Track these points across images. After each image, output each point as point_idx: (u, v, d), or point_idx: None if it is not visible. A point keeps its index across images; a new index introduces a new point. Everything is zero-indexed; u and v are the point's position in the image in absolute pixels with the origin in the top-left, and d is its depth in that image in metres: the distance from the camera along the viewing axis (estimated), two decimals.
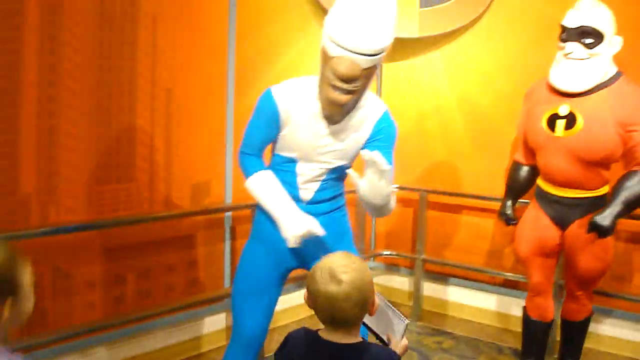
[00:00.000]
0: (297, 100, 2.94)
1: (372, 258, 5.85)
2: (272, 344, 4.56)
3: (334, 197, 3.14)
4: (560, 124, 3.68)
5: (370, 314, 2.19)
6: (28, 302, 1.76)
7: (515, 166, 4.19)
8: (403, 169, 5.67)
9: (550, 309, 4.11)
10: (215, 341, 4.52)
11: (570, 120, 3.65)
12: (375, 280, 5.81)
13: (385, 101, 5.63)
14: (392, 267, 5.90)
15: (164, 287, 4.25)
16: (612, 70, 3.68)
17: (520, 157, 4.15)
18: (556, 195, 3.84)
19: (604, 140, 3.59)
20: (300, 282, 4.83)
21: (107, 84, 3.82)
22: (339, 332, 2.12)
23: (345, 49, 2.68)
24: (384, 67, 5.73)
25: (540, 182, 3.99)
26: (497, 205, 4.37)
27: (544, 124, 3.76)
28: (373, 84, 5.68)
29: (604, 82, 3.65)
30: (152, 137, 4.10)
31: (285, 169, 3.06)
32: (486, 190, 5.08)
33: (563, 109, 3.69)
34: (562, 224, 3.87)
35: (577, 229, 3.77)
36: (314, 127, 2.94)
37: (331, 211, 3.15)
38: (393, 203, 3.00)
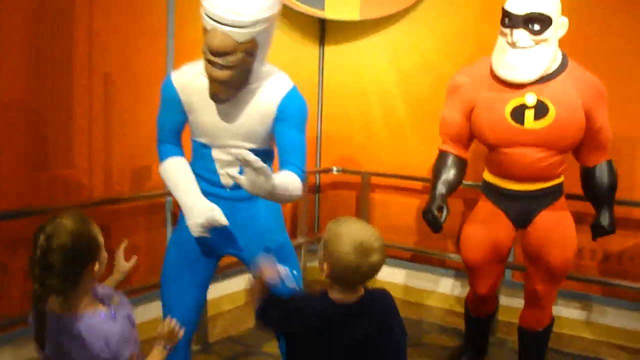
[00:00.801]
0: (193, 83, 2.90)
1: (316, 242, 5.85)
2: (216, 330, 4.56)
3: None
4: (529, 114, 3.43)
5: None
6: (105, 258, 2.23)
7: (443, 156, 3.79)
8: (345, 151, 5.69)
9: (493, 304, 4.02)
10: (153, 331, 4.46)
11: (540, 109, 3.41)
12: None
13: (327, 84, 5.63)
14: None
15: (105, 273, 4.16)
16: (559, 53, 3.51)
17: (451, 148, 3.78)
18: (518, 191, 3.59)
19: (577, 126, 3.45)
20: (241, 268, 4.78)
21: (42, 68, 3.72)
22: (350, 291, 2.31)
23: (216, 21, 2.63)
24: (325, 51, 5.72)
25: (492, 178, 3.70)
26: None
27: (507, 116, 3.46)
28: (314, 67, 5.71)
29: (559, 66, 3.48)
30: (90, 122, 4.02)
31: (203, 155, 3.00)
32: (429, 172, 5.11)
33: (530, 99, 3.42)
34: (522, 221, 3.65)
35: (544, 222, 3.60)
36: (209, 109, 2.89)
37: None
38: (293, 191, 2.75)
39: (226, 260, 3.29)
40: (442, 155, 3.79)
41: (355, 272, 2.24)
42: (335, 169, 5.61)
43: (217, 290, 4.88)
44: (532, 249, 3.65)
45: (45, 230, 2.07)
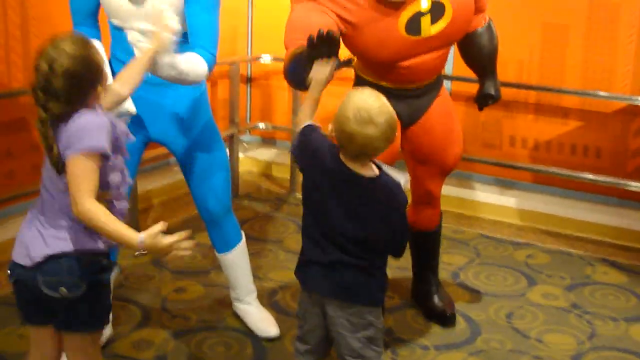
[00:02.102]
0: None
1: (247, 131, 5.77)
2: (148, 223, 4.49)
3: None
4: (426, 21, 2.94)
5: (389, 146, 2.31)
6: (107, 80, 2.21)
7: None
8: (275, 41, 5.54)
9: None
10: None
11: (436, 10, 2.94)
12: (252, 154, 5.80)
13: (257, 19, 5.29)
14: (269, 140, 5.85)
15: (30, 167, 4.04)
16: None
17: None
18: (410, 89, 3.15)
19: (472, 11, 3.09)
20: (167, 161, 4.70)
21: None
22: (357, 163, 2.26)
23: None
24: None
25: (372, 77, 3.17)
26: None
27: (402, 30, 2.93)
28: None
29: None
30: (5, 6, 3.81)
31: (119, 38, 2.84)
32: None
33: (424, 3, 2.92)
34: (407, 120, 3.21)
35: (432, 120, 3.25)
36: None
37: None
38: (193, 74, 2.70)
39: (153, 152, 3.20)
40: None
41: (350, 140, 2.21)
42: (265, 57, 5.46)
43: (146, 183, 4.80)
44: (427, 148, 3.31)
45: (46, 55, 2.03)
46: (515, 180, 4.86)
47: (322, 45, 2.39)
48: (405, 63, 3.03)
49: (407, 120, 3.20)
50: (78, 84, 2.05)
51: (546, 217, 4.76)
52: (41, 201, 2.18)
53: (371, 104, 2.20)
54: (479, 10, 3.17)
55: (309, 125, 2.38)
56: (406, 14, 2.90)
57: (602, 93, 4.46)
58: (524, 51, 4.68)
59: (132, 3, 2.77)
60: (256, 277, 3.59)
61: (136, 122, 2.87)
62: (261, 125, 5.63)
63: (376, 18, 2.90)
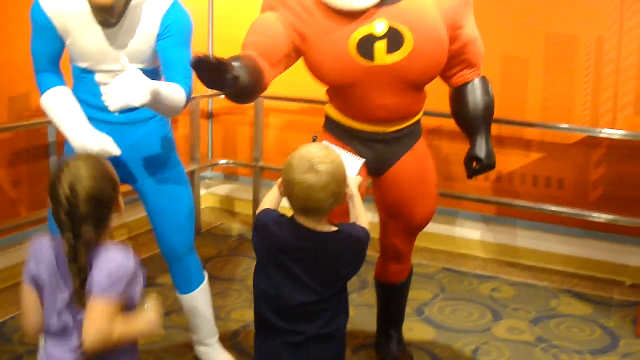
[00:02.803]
0: (66, 7, 2.76)
1: (209, 168, 5.71)
2: None
3: None
4: (381, 47, 2.70)
5: (342, 204, 2.26)
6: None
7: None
8: None
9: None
10: None
11: (394, 39, 2.69)
12: (215, 190, 5.74)
13: (218, 5, 5.39)
14: (231, 176, 5.80)
15: None
16: None
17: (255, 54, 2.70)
18: (373, 133, 2.93)
19: (441, 53, 2.82)
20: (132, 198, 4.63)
21: None
22: (310, 219, 2.18)
23: None
24: None
25: (339, 116, 2.99)
26: None
27: (353, 51, 2.71)
28: (204, 10, 5.46)
29: None
30: None
31: (85, 80, 2.88)
32: (322, 95, 5.01)
33: (380, 27, 2.69)
34: (377, 168, 3.02)
35: (405, 171, 3.03)
36: (93, 34, 2.77)
37: (149, 119, 2.98)
38: (176, 100, 2.72)
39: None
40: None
41: (291, 190, 2.16)
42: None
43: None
44: (392, 202, 3.11)
45: (64, 179, 1.96)
46: (479, 212, 4.85)
47: (202, 71, 2.26)
48: (357, 91, 2.81)
49: (374, 169, 3.00)
50: (102, 203, 2.02)
51: (510, 249, 4.76)
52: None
53: (314, 153, 2.16)
54: (470, 63, 3.01)
55: (265, 209, 2.31)
56: (358, 34, 2.69)
57: (562, 125, 4.49)
58: None
59: (107, 44, 2.78)
60: (218, 318, 3.52)
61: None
62: (223, 161, 5.58)
63: (328, 31, 2.73)
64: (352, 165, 2.47)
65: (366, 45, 2.69)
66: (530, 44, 4.56)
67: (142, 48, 2.82)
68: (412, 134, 3.02)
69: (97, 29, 2.76)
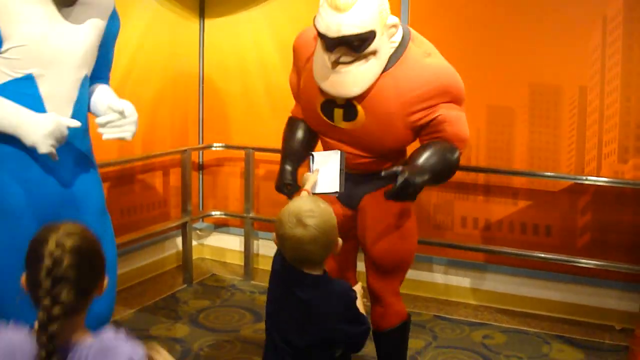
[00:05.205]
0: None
1: (200, 219, 5.74)
2: None
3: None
4: (338, 113, 2.97)
5: (335, 254, 2.38)
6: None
7: (292, 122, 3.35)
8: (228, 127, 5.59)
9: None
10: None
11: (349, 111, 2.93)
12: (206, 241, 5.76)
13: (208, 59, 5.48)
14: (222, 227, 5.82)
15: None
16: (388, 51, 2.90)
17: (296, 111, 3.36)
18: (350, 172, 3.03)
19: (390, 138, 2.96)
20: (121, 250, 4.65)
21: None
22: (303, 267, 2.30)
23: None
24: (205, 24, 5.57)
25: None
26: None
27: (318, 109, 3.03)
28: (194, 41, 5.56)
29: (390, 58, 2.90)
30: None
31: (26, 93, 2.52)
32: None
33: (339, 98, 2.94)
34: (350, 203, 3.17)
35: (367, 208, 3.15)
36: (42, 17, 2.52)
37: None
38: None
39: None
40: (289, 121, 3.38)
41: (283, 244, 2.29)
42: (216, 145, 5.51)
43: None
44: (360, 234, 3.19)
45: (48, 238, 1.64)
46: (469, 260, 4.90)
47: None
48: (335, 143, 3.07)
49: (348, 201, 3.15)
50: (90, 267, 1.70)
51: (500, 296, 4.80)
52: None
53: (301, 207, 2.28)
54: (450, 138, 2.97)
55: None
56: (322, 97, 3.00)
57: (548, 173, 4.56)
58: (471, 134, 4.74)
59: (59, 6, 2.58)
60: None
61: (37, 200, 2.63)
62: (214, 212, 5.62)
63: (310, 84, 3.03)
64: (332, 160, 2.83)
65: (328, 109, 3.01)
66: (515, 93, 4.66)
67: (91, 46, 2.71)
68: (379, 179, 2.85)
69: (51, 8, 2.56)
